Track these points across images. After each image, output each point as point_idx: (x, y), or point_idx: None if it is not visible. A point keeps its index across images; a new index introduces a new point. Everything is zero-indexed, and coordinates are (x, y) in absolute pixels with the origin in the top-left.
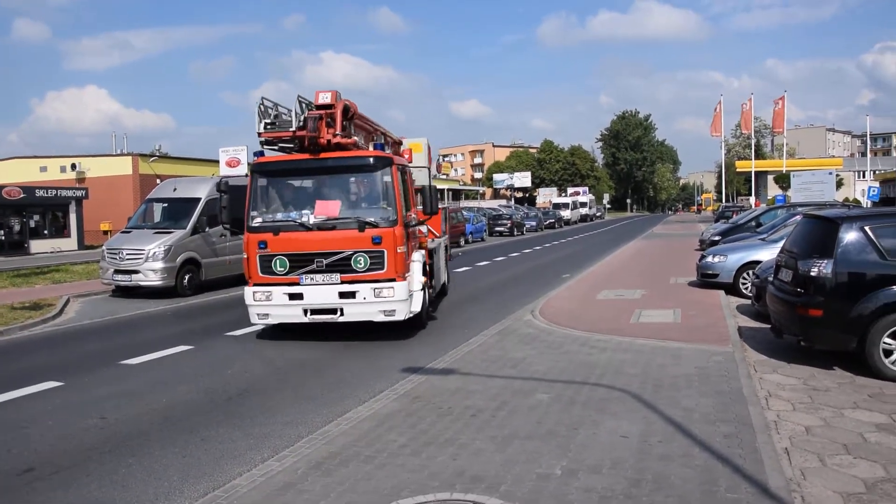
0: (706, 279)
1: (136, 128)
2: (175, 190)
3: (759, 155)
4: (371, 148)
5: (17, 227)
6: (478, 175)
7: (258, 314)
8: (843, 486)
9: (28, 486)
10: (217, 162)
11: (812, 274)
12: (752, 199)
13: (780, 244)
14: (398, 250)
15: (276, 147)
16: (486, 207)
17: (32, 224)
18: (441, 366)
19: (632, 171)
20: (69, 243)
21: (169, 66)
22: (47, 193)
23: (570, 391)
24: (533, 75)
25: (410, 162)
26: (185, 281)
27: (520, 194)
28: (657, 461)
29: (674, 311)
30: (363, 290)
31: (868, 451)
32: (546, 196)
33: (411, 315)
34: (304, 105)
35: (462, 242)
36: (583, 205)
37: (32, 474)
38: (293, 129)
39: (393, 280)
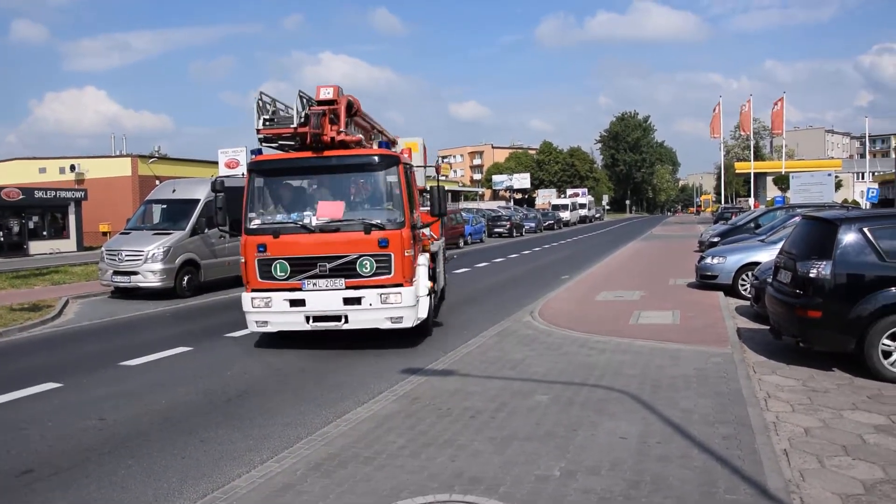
0: (705, 280)
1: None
2: (174, 191)
3: (759, 156)
4: (374, 146)
5: (16, 229)
6: (477, 176)
7: (256, 321)
8: (842, 488)
9: (27, 487)
10: (216, 163)
11: (811, 275)
12: (752, 201)
13: (779, 245)
14: (406, 254)
15: (275, 145)
16: (485, 209)
17: (31, 225)
18: (440, 367)
19: (631, 172)
20: (68, 244)
21: (168, 66)
22: (46, 195)
23: (569, 392)
24: (531, 76)
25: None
26: (185, 282)
27: (519, 195)
28: (656, 462)
29: (673, 313)
30: (369, 295)
31: (867, 452)
32: (545, 197)
33: (418, 322)
34: (304, 101)
35: (461, 244)
36: (582, 206)
37: (31, 475)
38: (294, 125)
39: (400, 285)
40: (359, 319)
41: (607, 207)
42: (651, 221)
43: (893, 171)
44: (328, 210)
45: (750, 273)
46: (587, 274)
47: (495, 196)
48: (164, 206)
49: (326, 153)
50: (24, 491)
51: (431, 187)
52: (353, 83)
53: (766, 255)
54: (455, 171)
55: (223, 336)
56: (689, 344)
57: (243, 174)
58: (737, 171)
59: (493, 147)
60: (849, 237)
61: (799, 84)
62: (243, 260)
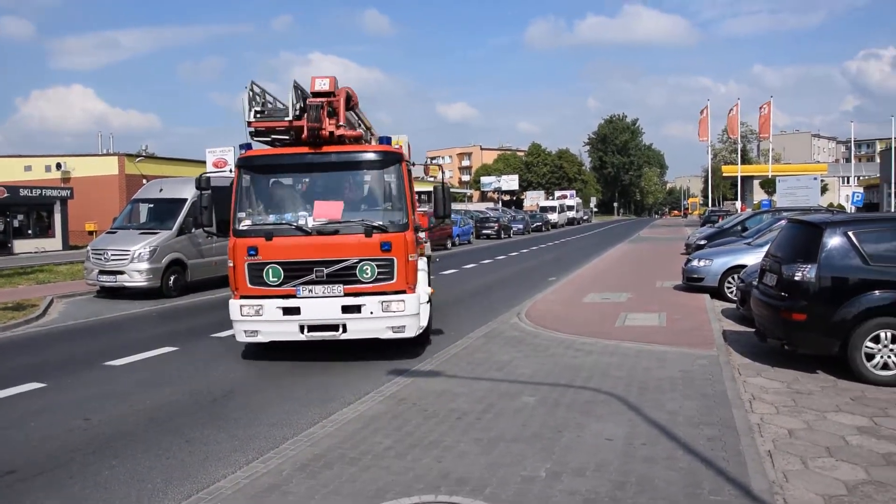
0: (692, 283)
1: (123, 128)
2: (161, 190)
3: (746, 160)
4: (373, 142)
5: (0, 227)
6: (465, 178)
7: (246, 331)
8: (825, 489)
9: (9, 488)
10: (204, 162)
11: (796, 278)
12: (738, 204)
13: (765, 248)
14: (409, 258)
15: (268, 139)
16: (473, 210)
17: (16, 224)
18: (427, 368)
19: (619, 174)
20: (53, 243)
21: (157, 65)
22: (31, 193)
23: (556, 394)
24: (521, 78)
25: None
26: (171, 282)
27: (507, 197)
28: (641, 464)
29: (659, 315)
30: (370, 303)
31: (850, 453)
32: (533, 199)
33: (420, 331)
34: (298, 92)
35: (449, 245)
36: (570, 208)
37: (14, 476)
38: (290, 118)
39: (403, 292)
40: (358, 329)
41: (595, 210)
42: (639, 224)
43: (878, 175)
44: (325, 210)
45: (736, 276)
46: (574, 276)
47: (484, 197)
48: (151, 205)
49: (326, 149)
50: (7, 492)
51: (435, 187)
52: (342, 83)
53: (753, 258)
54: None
55: (209, 336)
56: (676, 346)
57: (231, 169)
58: (724, 175)
59: (481, 148)
60: (834, 241)
61: (786, 88)
62: (231, 264)
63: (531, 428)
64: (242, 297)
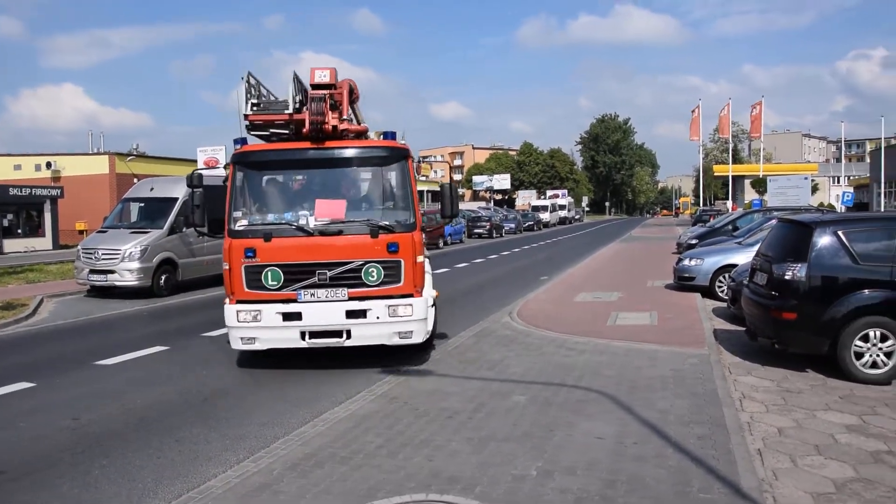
0: (683, 282)
1: (114, 126)
2: (152, 189)
3: (737, 159)
4: (376, 137)
5: None
6: (457, 177)
7: (242, 338)
8: (814, 487)
9: None
10: (195, 161)
11: (786, 277)
12: (730, 203)
13: (756, 248)
14: (417, 260)
15: (265, 133)
16: (465, 209)
17: (6, 223)
18: (418, 367)
19: (611, 174)
20: (43, 243)
21: (148, 64)
22: (21, 192)
23: (547, 393)
24: (513, 77)
25: None
26: (162, 281)
27: (499, 196)
28: (632, 462)
29: (650, 314)
30: (376, 307)
31: (838, 451)
32: (525, 198)
33: (427, 336)
34: (296, 84)
35: (441, 244)
36: (562, 207)
37: (3, 476)
38: (289, 111)
39: (410, 296)
40: (363, 335)
41: (587, 209)
42: (630, 223)
43: (868, 175)
44: (328, 209)
45: (727, 275)
46: (566, 275)
47: (475, 197)
48: (142, 204)
49: (329, 144)
50: None
51: (442, 185)
52: None
53: (743, 258)
54: (436, 172)
55: (200, 335)
56: (667, 345)
57: (227, 166)
58: (715, 174)
59: (473, 148)
60: (823, 240)
61: (777, 88)
62: (227, 266)
63: (522, 427)
64: (239, 301)
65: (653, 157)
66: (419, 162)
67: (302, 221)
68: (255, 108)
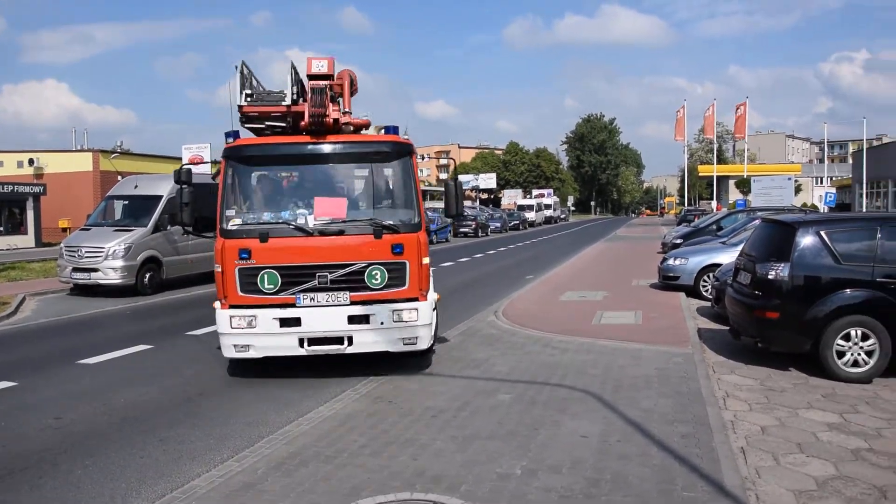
0: (667, 281)
1: (98, 123)
2: (136, 187)
3: (721, 160)
4: (375, 132)
5: None
6: (443, 176)
7: (236, 346)
8: (796, 484)
9: None
10: (180, 159)
11: (769, 277)
12: (714, 203)
13: (740, 248)
14: (423, 262)
15: (260, 126)
16: None
17: None
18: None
19: (596, 173)
20: (26, 240)
21: (133, 61)
22: (3, 189)
23: (532, 391)
24: (499, 77)
25: None
26: (146, 279)
27: (485, 196)
28: (616, 461)
29: (635, 313)
30: (380, 312)
31: (820, 449)
32: (511, 198)
33: (431, 342)
34: (293, 74)
35: None
36: (547, 207)
37: None
38: (287, 102)
39: (415, 299)
40: (365, 341)
41: (572, 208)
42: (616, 223)
43: (851, 176)
44: (328, 208)
45: (711, 274)
46: (552, 274)
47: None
48: (126, 202)
49: (330, 138)
50: None
51: (447, 183)
52: None
53: (727, 257)
54: (422, 171)
55: (185, 334)
56: (651, 344)
57: (217, 160)
58: (700, 174)
59: (459, 147)
60: (806, 240)
61: (762, 90)
62: (219, 268)
63: (507, 425)
64: (232, 306)
65: (638, 157)
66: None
67: (300, 221)
68: (249, 100)
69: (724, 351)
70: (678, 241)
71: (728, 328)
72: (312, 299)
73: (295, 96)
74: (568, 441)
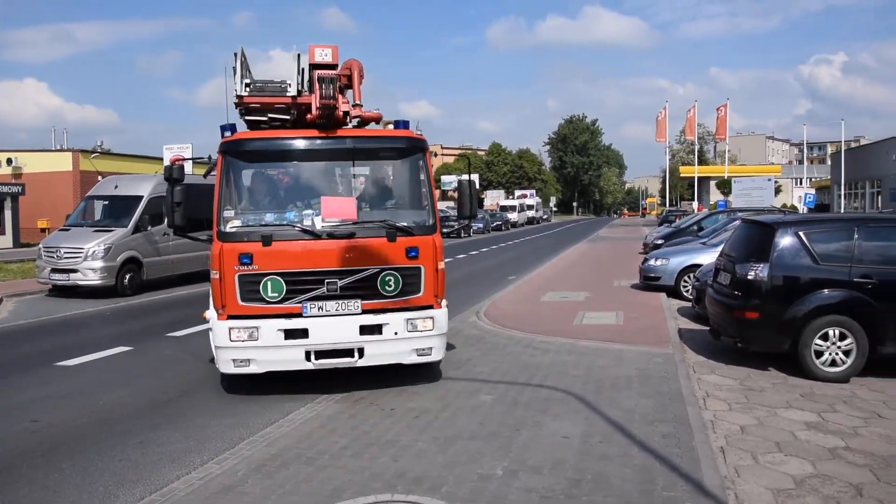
0: (649, 282)
1: (79, 123)
2: (116, 187)
3: (702, 161)
4: (384, 126)
5: None
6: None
7: (235, 360)
8: (774, 483)
9: None
10: (161, 160)
11: (749, 277)
12: (695, 204)
13: (720, 248)
14: (439, 266)
15: (263, 119)
16: None
17: None
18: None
19: (578, 174)
20: (4, 241)
21: (115, 60)
22: None
23: (514, 392)
24: (482, 78)
25: None
26: (126, 280)
27: None
28: (597, 461)
29: (616, 314)
30: (394, 321)
31: (798, 448)
32: (493, 198)
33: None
34: (298, 64)
35: None
36: (530, 207)
37: None
38: (293, 93)
39: (430, 307)
40: (377, 353)
41: (555, 209)
42: (598, 223)
43: (829, 177)
44: (337, 208)
45: (692, 275)
46: (534, 275)
47: (444, 196)
48: (106, 202)
49: (341, 132)
50: None
51: (461, 182)
52: None
53: (708, 258)
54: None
55: (165, 335)
56: (632, 344)
57: (199, 159)
58: (681, 175)
59: (442, 148)
60: (785, 241)
61: (742, 91)
62: (216, 275)
63: (489, 426)
64: (231, 316)
65: (620, 158)
66: None
67: (307, 222)
68: (249, 88)
69: (704, 351)
70: (659, 241)
71: (708, 328)
72: (321, 308)
73: (301, 87)
74: (549, 442)
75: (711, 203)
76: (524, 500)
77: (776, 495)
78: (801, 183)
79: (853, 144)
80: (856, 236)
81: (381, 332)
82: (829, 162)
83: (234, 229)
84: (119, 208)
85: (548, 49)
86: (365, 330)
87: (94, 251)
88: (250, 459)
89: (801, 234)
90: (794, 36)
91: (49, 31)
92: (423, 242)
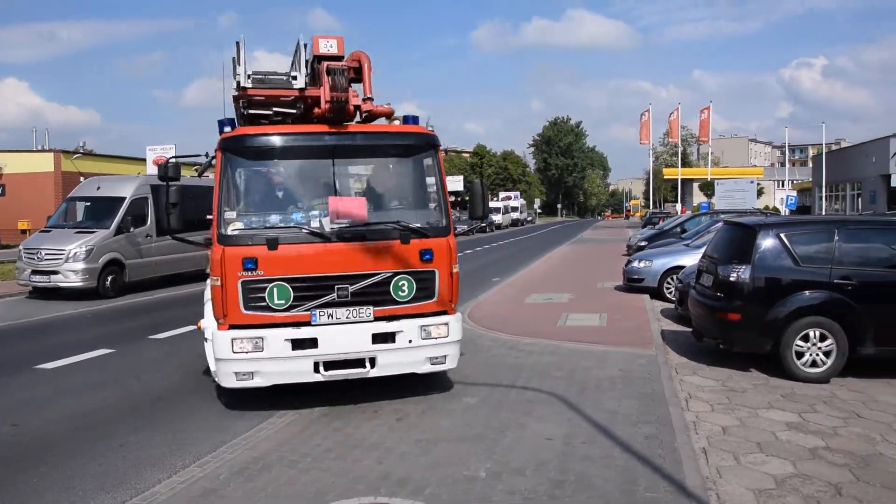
0: (632, 283)
1: (61, 123)
2: (98, 188)
3: (686, 163)
4: (390, 121)
5: None
6: None
7: (237, 373)
8: (756, 483)
9: None
10: (144, 160)
11: (731, 279)
12: (679, 206)
13: (703, 250)
14: (453, 270)
15: (267, 113)
16: None
17: None
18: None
19: (563, 176)
20: None
21: (98, 60)
22: None
23: (498, 394)
24: (467, 80)
25: None
26: (108, 282)
27: (452, 198)
28: (580, 462)
29: (600, 315)
30: (408, 329)
31: (779, 448)
32: None
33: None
34: (299, 54)
35: None
36: (514, 209)
37: None
38: (300, 85)
39: (444, 313)
40: (390, 363)
41: (539, 211)
42: (582, 225)
43: (811, 179)
44: (346, 209)
45: (675, 276)
46: (518, 276)
47: None
48: (88, 203)
49: (352, 128)
50: None
51: (472, 182)
52: None
53: (691, 260)
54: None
55: (147, 338)
56: (616, 346)
57: (208, 156)
58: (665, 177)
59: None
60: (767, 242)
61: (725, 94)
62: (217, 281)
63: (473, 428)
64: (234, 326)
65: (604, 160)
66: None
67: (315, 224)
68: (251, 79)
69: (687, 352)
70: (643, 243)
71: (691, 330)
72: (331, 316)
73: (308, 80)
74: (533, 443)
75: (695, 205)
76: (507, 502)
77: (758, 495)
78: (783, 185)
79: (834, 147)
80: (836, 238)
81: (394, 341)
82: (810, 164)
83: (236, 232)
84: (101, 210)
85: (533, 51)
86: (378, 338)
87: (75, 253)
88: (232, 462)
89: (782, 235)
90: (775, 39)
91: (30, 31)
92: (438, 244)
